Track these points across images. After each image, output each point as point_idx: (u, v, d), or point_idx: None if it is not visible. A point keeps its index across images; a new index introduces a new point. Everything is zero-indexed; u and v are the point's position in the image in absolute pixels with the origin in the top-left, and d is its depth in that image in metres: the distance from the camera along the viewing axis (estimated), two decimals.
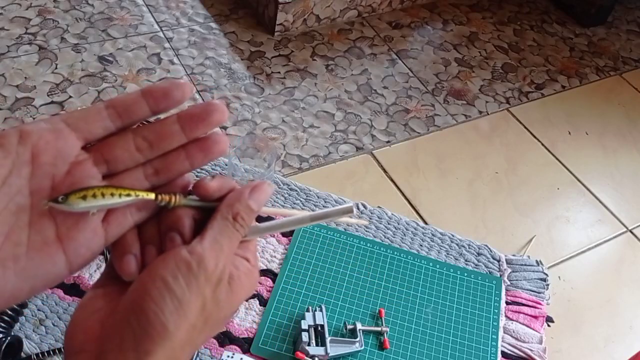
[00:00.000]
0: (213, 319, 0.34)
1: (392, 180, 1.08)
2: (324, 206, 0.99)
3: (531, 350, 0.86)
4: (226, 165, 1.01)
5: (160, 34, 1.28)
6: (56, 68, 1.16)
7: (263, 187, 0.37)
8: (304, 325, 0.79)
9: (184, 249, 0.33)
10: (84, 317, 0.33)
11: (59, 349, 0.76)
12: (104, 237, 0.34)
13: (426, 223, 1.01)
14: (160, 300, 0.31)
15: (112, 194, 0.33)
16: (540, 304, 0.91)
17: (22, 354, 0.75)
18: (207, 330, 0.34)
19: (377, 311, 0.86)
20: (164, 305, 0.31)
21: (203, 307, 0.33)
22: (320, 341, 0.79)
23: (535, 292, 0.93)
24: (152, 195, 0.35)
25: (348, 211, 0.38)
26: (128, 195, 0.34)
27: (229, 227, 0.35)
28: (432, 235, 0.98)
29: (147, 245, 0.35)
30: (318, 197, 0.99)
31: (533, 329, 0.89)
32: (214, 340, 0.80)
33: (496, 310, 0.89)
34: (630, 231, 1.08)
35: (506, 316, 0.90)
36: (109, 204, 0.33)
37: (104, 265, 0.84)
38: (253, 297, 0.85)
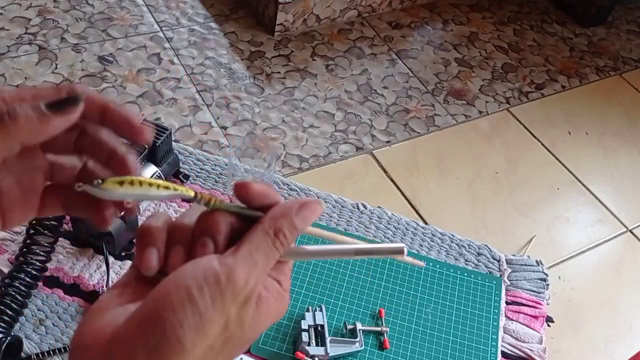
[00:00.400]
0: (234, 341, 0.31)
1: (392, 180, 1.08)
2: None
3: (531, 350, 0.86)
4: (226, 165, 1.01)
5: (160, 34, 1.28)
6: (56, 68, 1.16)
7: (313, 206, 0.34)
8: (304, 325, 0.79)
9: (215, 259, 0.31)
10: (96, 317, 0.32)
11: (59, 349, 0.76)
12: (37, 211, 0.35)
13: (426, 223, 1.01)
14: (181, 312, 0.29)
15: (150, 185, 0.32)
16: (540, 304, 0.91)
17: (22, 354, 0.75)
18: (225, 352, 0.31)
19: (377, 311, 0.86)
20: (183, 319, 0.29)
21: (225, 327, 0.30)
22: (320, 341, 0.79)
23: (535, 292, 0.93)
24: (191, 193, 0.33)
25: (398, 252, 0.34)
26: (167, 188, 0.33)
27: (267, 243, 0.32)
28: (432, 235, 0.98)
29: (176, 246, 0.33)
30: (318, 197, 0.99)
31: (533, 329, 0.89)
32: None
33: (496, 310, 0.89)
34: (630, 231, 1.08)
35: (506, 316, 0.90)
36: (146, 196, 0.33)
37: (104, 266, 0.84)
38: None
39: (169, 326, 0.28)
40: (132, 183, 0.32)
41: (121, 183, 0.32)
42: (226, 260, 0.31)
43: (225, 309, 0.30)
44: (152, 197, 0.33)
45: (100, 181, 0.32)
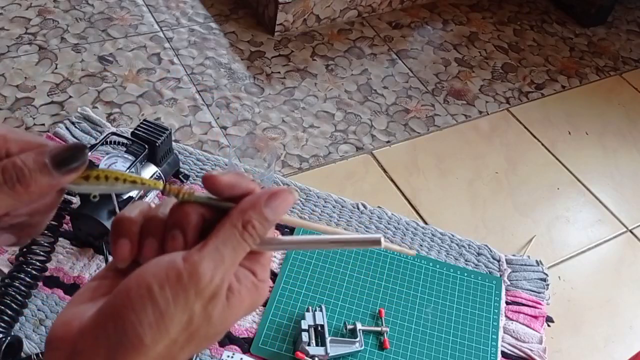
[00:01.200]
0: (200, 335, 0.31)
1: (392, 180, 1.08)
2: (323, 206, 0.99)
3: (531, 350, 0.86)
4: (226, 165, 1.01)
5: (160, 34, 1.28)
6: (56, 68, 1.16)
7: (283, 195, 0.33)
8: (304, 325, 0.79)
9: (180, 255, 0.31)
10: (70, 310, 0.32)
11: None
12: None
13: (426, 223, 1.01)
14: (141, 311, 0.29)
15: (116, 179, 0.32)
16: (540, 304, 0.91)
17: (22, 354, 0.75)
18: (192, 346, 0.31)
19: (377, 311, 0.86)
20: (143, 317, 0.29)
21: (189, 322, 0.30)
22: (320, 341, 0.79)
23: (535, 292, 0.93)
24: (159, 185, 0.33)
25: (374, 242, 0.33)
26: (134, 182, 0.33)
27: (235, 236, 0.32)
28: (432, 235, 0.98)
29: (149, 238, 0.33)
30: (318, 197, 0.99)
31: (533, 329, 0.89)
32: None
33: (496, 310, 0.89)
34: (630, 231, 1.08)
35: (506, 316, 0.90)
36: (113, 190, 0.32)
37: (104, 265, 0.84)
38: None
39: (129, 323, 0.29)
40: (97, 178, 0.32)
41: (87, 178, 0.32)
42: (191, 257, 0.30)
43: (188, 306, 0.30)
44: (119, 191, 0.33)
45: None
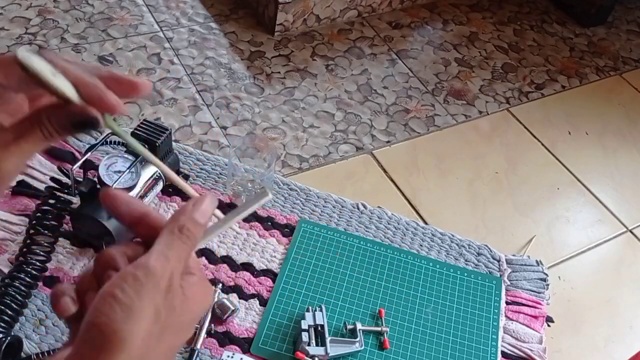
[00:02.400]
0: (172, 326, 0.35)
1: (392, 180, 1.08)
2: (323, 206, 0.99)
3: (531, 350, 0.86)
4: (226, 165, 1.01)
5: (160, 34, 1.28)
6: None
7: (206, 199, 0.38)
8: (304, 325, 0.79)
9: (129, 265, 0.34)
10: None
11: (59, 349, 0.76)
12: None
13: (426, 223, 1.01)
14: (111, 312, 0.32)
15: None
16: (540, 304, 0.91)
17: (22, 354, 0.75)
18: (169, 338, 0.35)
19: (377, 311, 0.86)
20: (114, 316, 0.32)
21: (157, 314, 0.33)
22: (320, 341, 0.79)
23: (535, 292, 0.93)
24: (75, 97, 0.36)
25: (264, 195, 0.40)
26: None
27: (175, 240, 0.36)
28: (432, 235, 0.98)
29: (87, 292, 0.36)
30: (318, 197, 0.99)
31: (533, 329, 0.89)
32: (214, 340, 0.80)
33: (496, 310, 0.89)
34: (630, 231, 1.08)
35: (506, 316, 0.90)
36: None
37: None
38: (253, 297, 0.85)
39: (104, 326, 0.32)
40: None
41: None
42: (139, 262, 0.34)
43: (151, 298, 0.33)
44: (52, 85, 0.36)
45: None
